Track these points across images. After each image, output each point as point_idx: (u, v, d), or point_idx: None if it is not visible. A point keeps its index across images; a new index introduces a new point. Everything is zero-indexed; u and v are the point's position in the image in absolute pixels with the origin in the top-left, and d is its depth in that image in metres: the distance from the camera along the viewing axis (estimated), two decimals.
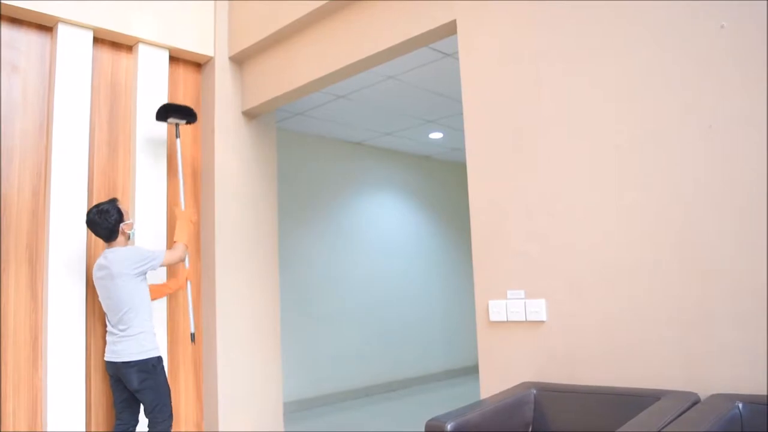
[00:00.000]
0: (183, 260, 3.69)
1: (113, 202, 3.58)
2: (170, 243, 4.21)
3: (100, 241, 3.95)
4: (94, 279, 3.56)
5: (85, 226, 3.77)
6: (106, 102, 4.11)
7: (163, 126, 4.25)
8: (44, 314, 3.62)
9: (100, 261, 3.53)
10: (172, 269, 4.13)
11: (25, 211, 3.68)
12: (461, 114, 3.46)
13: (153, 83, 4.24)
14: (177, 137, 4.15)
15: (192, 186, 4.52)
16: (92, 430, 3.78)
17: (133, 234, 3.61)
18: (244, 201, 4.59)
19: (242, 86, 4.71)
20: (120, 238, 3.55)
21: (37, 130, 3.78)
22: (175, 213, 3.97)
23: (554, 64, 2.89)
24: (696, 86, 2.43)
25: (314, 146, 6.92)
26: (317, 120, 6.31)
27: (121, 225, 3.53)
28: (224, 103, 4.57)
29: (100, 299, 3.56)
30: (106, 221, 3.49)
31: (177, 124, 4.10)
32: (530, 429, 2.68)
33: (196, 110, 4.59)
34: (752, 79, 2.27)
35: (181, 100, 4.52)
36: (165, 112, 4.04)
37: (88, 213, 3.54)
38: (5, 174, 3.62)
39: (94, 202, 3.95)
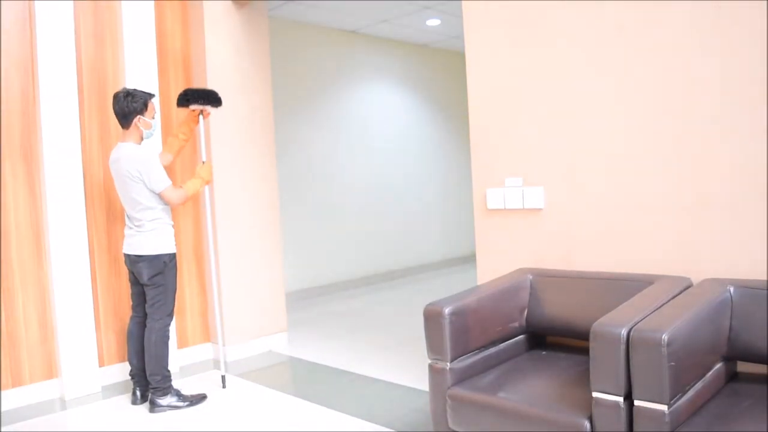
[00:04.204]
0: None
1: (149, 94, 3.40)
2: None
3: (95, 138, 3.91)
4: (110, 169, 3.44)
5: (77, 120, 3.71)
6: None
7: (150, 13, 4.07)
8: (44, 209, 3.64)
9: (113, 153, 3.41)
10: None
11: (15, 110, 3.61)
12: None
13: None
14: (198, 123, 3.82)
15: (183, 80, 4.41)
16: (101, 320, 3.91)
17: (149, 135, 3.44)
18: (237, 92, 4.48)
19: None
20: (133, 132, 3.36)
21: (20, 25, 3.63)
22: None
23: None
24: None
25: (308, 35, 6.68)
26: (310, 7, 6.06)
27: (138, 117, 3.34)
28: None
29: (117, 190, 3.47)
30: (126, 103, 3.30)
31: (201, 111, 3.75)
32: (525, 312, 2.76)
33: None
34: None
35: None
36: (185, 98, 3.70)
37: (121, 90, 3.38)
38: None
39: (85, 95, 3.87)
